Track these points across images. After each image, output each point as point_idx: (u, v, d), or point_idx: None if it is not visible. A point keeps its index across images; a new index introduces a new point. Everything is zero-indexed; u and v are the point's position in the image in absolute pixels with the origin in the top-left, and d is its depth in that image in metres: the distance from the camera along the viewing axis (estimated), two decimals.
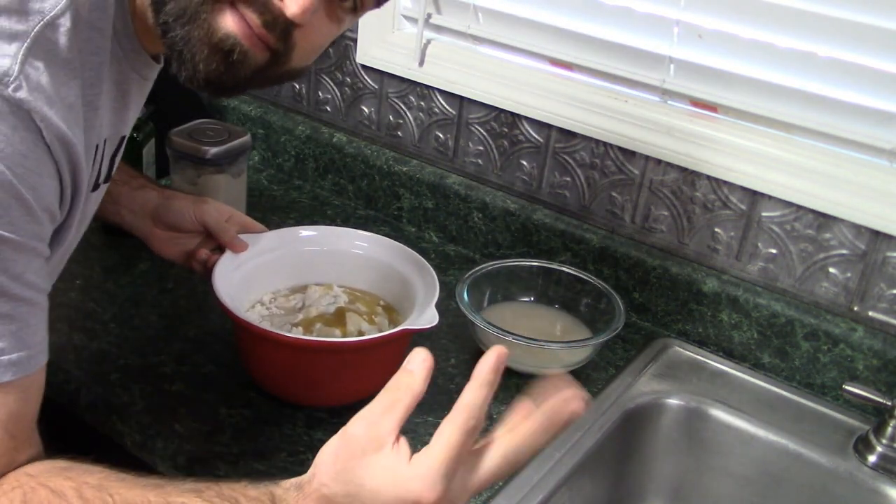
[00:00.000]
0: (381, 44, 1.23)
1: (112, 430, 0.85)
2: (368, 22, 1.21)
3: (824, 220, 0.96)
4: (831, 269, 0.97)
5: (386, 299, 0.95)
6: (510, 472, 0.59)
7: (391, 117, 1.26)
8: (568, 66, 1.10)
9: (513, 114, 1.14)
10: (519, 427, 0.58)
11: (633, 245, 1.09)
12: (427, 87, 1.20)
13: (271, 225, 0.96)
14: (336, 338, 0.87)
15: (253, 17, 0.62)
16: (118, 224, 0.93)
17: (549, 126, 1.11)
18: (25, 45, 0.56)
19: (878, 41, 0.88)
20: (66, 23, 0.58)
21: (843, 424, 0.93)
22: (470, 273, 1.02)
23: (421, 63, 1.19)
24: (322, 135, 1.31)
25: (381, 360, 0.88)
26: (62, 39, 0.58)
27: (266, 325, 0.85)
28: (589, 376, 0.98)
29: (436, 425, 0.87)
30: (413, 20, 1.21)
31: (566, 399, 0.59)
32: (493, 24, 1.13)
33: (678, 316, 1.06)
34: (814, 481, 0.90)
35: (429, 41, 1.19)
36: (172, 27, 0.62)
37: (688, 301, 1.05)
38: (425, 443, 0.85)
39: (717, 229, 1.03)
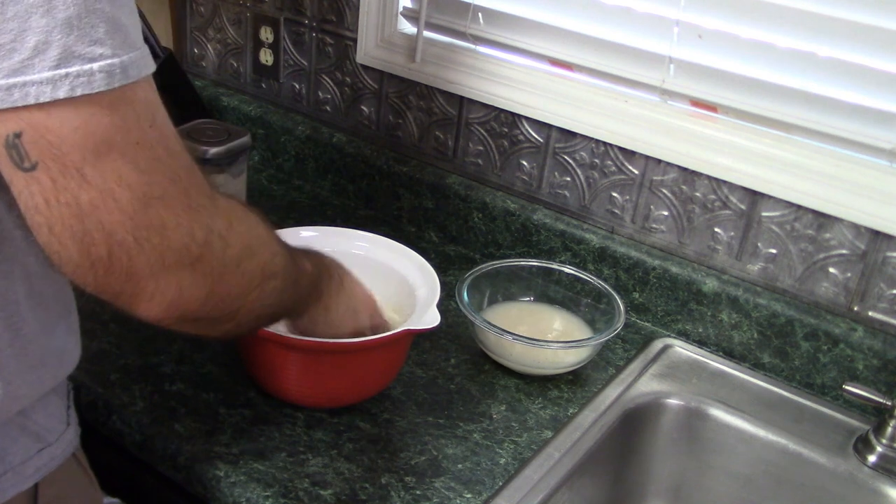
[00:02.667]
0: (380, 44, 1.23)
1: (112, 430, 0.85)
2: (368, 22, 1.21)
3: (824, 220, 0.96)
4: (831, 269, 0.97)
5: (386, 300, 0.95)
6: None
7: (391, 117, 1.26)
8: (568, 66, 1.10)
9: (513, 114, 1.14)
10: None
11: (633, 245, 1.09)
12: (427, 87, 1.20)
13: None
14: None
15: None
16: None
17: (549, 126, 1.11)
18: None
19: (878, 41, 0.88)
20: None
21: (843, 424, 0.93)
22: (470, 273, 1.02)
23: (420, 63, 1.19)
24: (322, 135, 1.31)
25: (383, 360, 0.88)
26: None
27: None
28: (589, 376, 0.98)
29: (435, 425, 0.88)
30: (413, 20, 1.21)
31: None
32: (493, 24, 1.13)
33: (678, 316, 1.06)
34: (814, 481, 0.90)
35: (428, 41, 1.19)
36: None
37: (688, 301, 1.05)
38: (424, 442, 0.85)
39: (717, 229, 1.03)
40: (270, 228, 0.66)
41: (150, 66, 0.54)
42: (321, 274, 0.78)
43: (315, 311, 0.78)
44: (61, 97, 0.49)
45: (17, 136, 0.50)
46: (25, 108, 0.49)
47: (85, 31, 0.50)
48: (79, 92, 0.50)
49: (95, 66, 0.50)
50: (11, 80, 0.49)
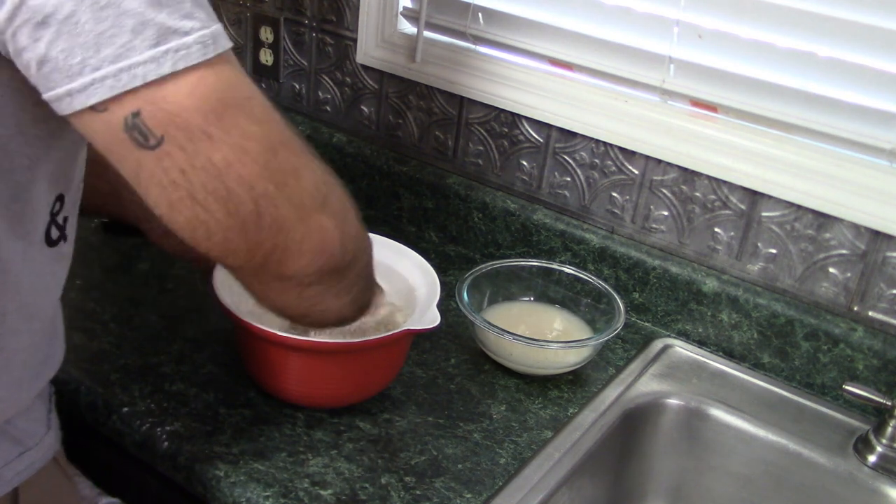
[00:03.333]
0: (380, 44, 1.23)
1: (112, 430, 0.85)
2: (368, 22, 1.21)
3: (824, 220, 0.96)
4: (831, 269, 0.97)
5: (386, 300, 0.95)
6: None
7: (391, 117, 1.26)
8: (568, 66, 1.10)
9: (513, 114, 1.14)
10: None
11: (633, 245, 1.09)
12: (427, 87, 1.20)
13: None
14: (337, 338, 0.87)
15: None
16: (119, 214, 0.93)
17: (549, 126, 1.11)
18: None
19: (878, 41, 0.88)
20: None
21: (843, 424, 0.94)
22: (470, 273, 1.02)
23: (420, 63, 1.19)
24: (322, 135, 1.31)
25: (383, 360, 0.88)
26: None
27: (266, 325, 0.85)
28: (589, 376, 0.98)
29: (435, 425, 0.88)
30: (413, 20, 1.21)
31: None
32: (493, 24, 1.13)
33: (678, 316, 1.06)
34: (814, 481, 0.90)
35: (428, 41, 1.19)
36: None
37: (688, 301, 1.05)
38: (424, 442, 0.85)
39: (717, 229, 1.03)
40: None
41: (229, 40, 0.56)
42: None
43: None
44: (166, 73, 0.51)
45: (136, 115, 0.52)
46: (136, 88, 0.51)
47: (174, 8, 0.52)
48: (181, 65, 0.52)
49: (191, 38, 0.52)
50: (118, 65, 0.51)
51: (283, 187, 0.55)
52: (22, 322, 0.66)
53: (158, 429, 0.83)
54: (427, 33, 1.19)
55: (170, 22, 0.52)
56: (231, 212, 0.54)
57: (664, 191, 1.05)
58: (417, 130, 1.24)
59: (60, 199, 0.67)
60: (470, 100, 1.16)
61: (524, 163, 1.15)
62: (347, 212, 0.63)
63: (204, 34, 0.53)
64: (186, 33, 0.52)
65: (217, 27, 0.54)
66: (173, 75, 0.52)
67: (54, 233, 0.67)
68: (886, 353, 0.93)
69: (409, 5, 1.21)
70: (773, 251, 1.00)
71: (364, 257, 0.68)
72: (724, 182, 1.01)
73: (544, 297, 1.07)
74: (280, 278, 0.60)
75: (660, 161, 1.04)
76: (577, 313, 1.05)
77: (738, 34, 0.96)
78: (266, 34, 1.34)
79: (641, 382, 0.97)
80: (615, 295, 1.01)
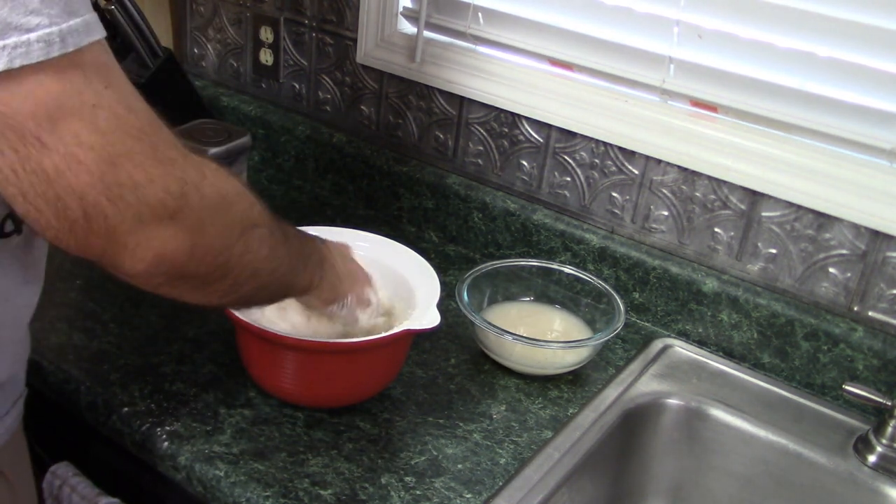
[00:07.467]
0: (380, 44, 1.23)
1: (112, 430, 0.85)
2: (368, 22, 1.21)
3: (824, 220, 0.96)
4: (831, 269, 0.97)
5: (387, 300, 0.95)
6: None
7: (391, 117, 1.26)
8: (568, 66, 1.10)
9: (513, 114, 1.14)
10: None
11: (633, 245, 1.09)
12: (427, 87, 1.20)
13: None
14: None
15: None
16: None
17: (549, 126, 1.11)
18: None
19: (878, 41, 0.88)
20: None
21: (843, 424, 0.93)
22: (470, 273, 1.02)
23: (420, 63, 1.19)
24: (322, 135, 1.31)
25: (383, 360, 0.88)
26: None
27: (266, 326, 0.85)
28: (589, 376, 0.98)
29: (435, 425, 0.88)
30: (413, 20, 1.21)
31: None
32: (493, 24, 1.13)
33: (678, 316, 1.06)
34: (814, 481, 0.90)
35: (428, 41, 1.19)
36: None
37: (688, 301, 1.05)
38: (424, 442, 0.85)
39: (717, 229, 1.03)
40: (245, 183, 0.66)
41: (98, 32, 0.54)
42: (306, 235, 0.77)
43: (324, 271, 0.77)
44: (1, 69, 0.50)
45: None
46: None
47: (19, 2, 0.50)
48: (17, 63, 0.50)
49: (33, 36, 0.50)
50: None
51: (118, 200, 0.53)
52: None
53: (158, 429, 0.83)
54: (427, 33, 1.19)
55: (11, 17, 0.49)
56: (59, 216, 0.53)
57: (664, 191, 1.05)
58: (417, 130, 1.24)
59: None
60: (470, 100, 1.16)
61: (524, 163, 1.15)
62: (208, 223, 0.59)
63: (50, 32, 0.50)
64: (29, 30, 0.50)
65: (71, 24, 0.51)
66: (9, 73, 0.50)
67: (9, 226, 0.67)
68: (886, 353, 0.93)
69: (409, 5, 1.21)
70: (773, 251, 1.00)
71: (248, 263, 0.65)
72: (724, 182, 1.01)
73: (544, 297, 1.07)
74: (123, 274, 0.59)
75: (660, 161, 1.04)
76: (576, 313, 1.05)
77: (738, 34, 0.96)
78: (266, 34, 1.34)
79: (641, 382, 0.97)
80: (615, 295, 1.01)
